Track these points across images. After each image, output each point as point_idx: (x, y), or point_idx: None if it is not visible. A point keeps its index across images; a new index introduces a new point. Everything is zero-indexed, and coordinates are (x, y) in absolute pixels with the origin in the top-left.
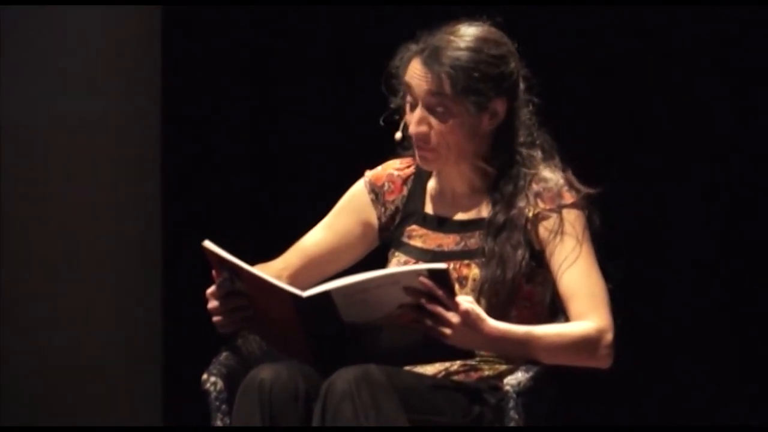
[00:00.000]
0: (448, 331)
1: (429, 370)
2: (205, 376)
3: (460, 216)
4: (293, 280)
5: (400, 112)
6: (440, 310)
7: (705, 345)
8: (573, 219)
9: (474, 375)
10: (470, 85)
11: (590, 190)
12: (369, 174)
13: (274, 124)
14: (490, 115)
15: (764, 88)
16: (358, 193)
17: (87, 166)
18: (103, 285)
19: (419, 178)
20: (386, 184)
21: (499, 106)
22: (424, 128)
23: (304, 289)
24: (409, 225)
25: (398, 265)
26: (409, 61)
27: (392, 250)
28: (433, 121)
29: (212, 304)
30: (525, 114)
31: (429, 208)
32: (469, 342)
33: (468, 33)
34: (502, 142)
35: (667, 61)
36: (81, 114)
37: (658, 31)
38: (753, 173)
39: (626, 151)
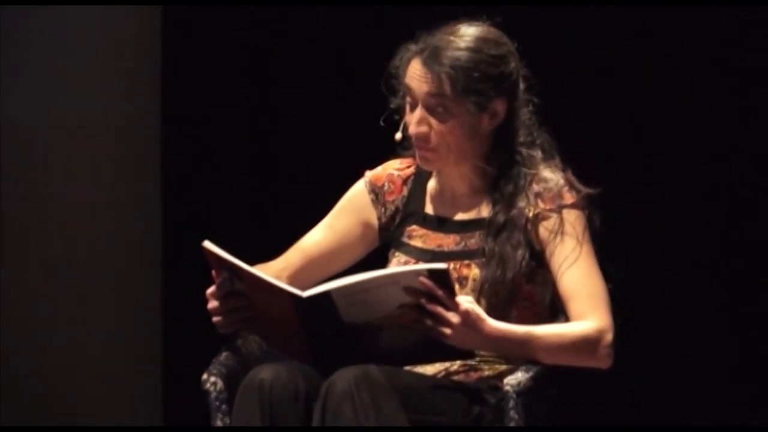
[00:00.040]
0: (448, 331)
1: (429, 370)
2: (205, 376)
3: (460, 216)
4: (293, 280)
5: (400, 112)
6: (440, 310)
7: (705, 345)
8: (573, 219)
9: (474, 375)
10: (470, 85)
11: (590, 191)
12: (369, 174)
13: (274, 124)
14: (490, 115)
15: (764, 88)
16: (358, 193)
17: (87, 166)
18: (103, 285)
19: (419, 178)
20: (386, 184)
21: (499, 106)
22: (424, 128)
23: (304, 289)
24: (410, 225)
25: (398, 265)
26: (408, 61)
27: (392, 250)
28: (433, 121)
29: (212, 304)
30: (525, 114)
31: (429, 209)
32: (469, 342)
33: (468, 33)
34: (502, 142)
35: (667, 61)
36: (81, 114)
37: (658, 31)
38: (753, 173)
39: (626, 151)
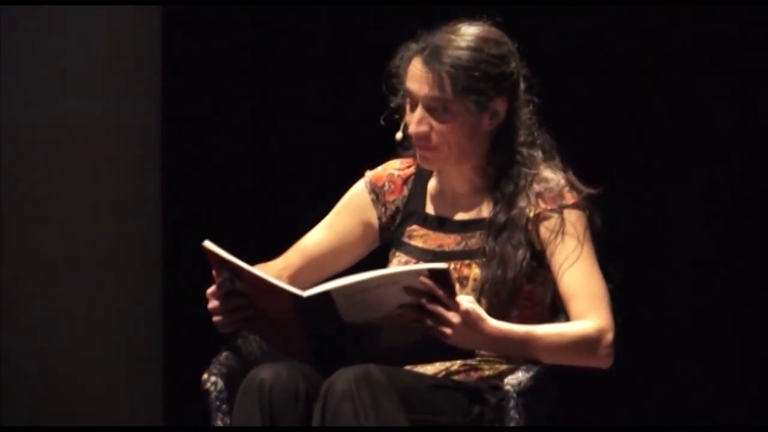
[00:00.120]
0: (448, 330)
1: (429, 370)
2: (205, 376)
3: (460, 216)
4: (293, 280)
5: (401, 111)
6: (441, 309)
7: (705, 345)
8: (574, 219)
9: (474, 375)
10: (471, 85)
11: (591, 191)
12: (369, 174)
13: (274, 124)
14: (491, 114)
15: (764, 88)
16: (358, 193)
17: (87, 166)
18: (103, 285)
19: (420, 178)
20: (386, 184)
21: (500, 105)
22: (424, 128)
23: (304, 289)
24: (410, 225)
25: (399, 265)
26: (409, 60)
27: (393, 250)
28: (434, 120)
29: (212, 304)
30: (525, 114)
31: (430, 208)
32: (469, 342)
33: (468, 32)
34: (502, 142)
35: (667, 61)
36: (81, 114)
37: (658, 31)
38: (753, 173)
39: (626, 151)
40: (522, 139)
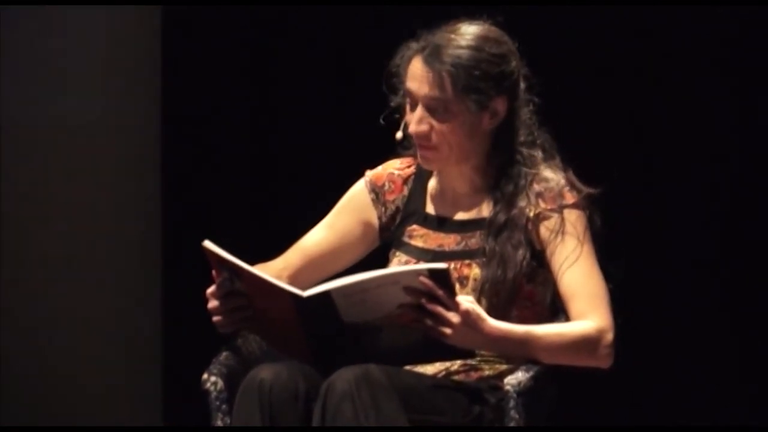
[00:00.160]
0: (448, 330)
1: (429, 370)
2: (205, 376)
3: (460, 216)
4: (293, 280)
5: (401, 111)
6: (440, 309)
7: (705, 345)
8: (574, 219)
9: (474, 375)
10: (471, 84)
11: (591, 191)
12: (369, 174)
13: (274, 124)
14: (491, 114)
15: (764, 88)
16: (358, 192)
17: (87, 166)
18: (103, 285)
19: (420, 177)
20: (387, 183)
21: (500, 105)
22: (424, 127)
23: (304, 289)
24: (410, 225)
25: (399, 264)
26: (409, 59)
27: (393, 249)
28: (434, 120)
29: (212, 304)
30: (525, 113)
31: (430, 208)
32: (469, 342)
33: (469, 32)
34: (502, 142)
35: (667, 61)
36: (81, 114)
37: (658, 31)
38: (753, 173)
39: (626, 151)
40: (522, 138)
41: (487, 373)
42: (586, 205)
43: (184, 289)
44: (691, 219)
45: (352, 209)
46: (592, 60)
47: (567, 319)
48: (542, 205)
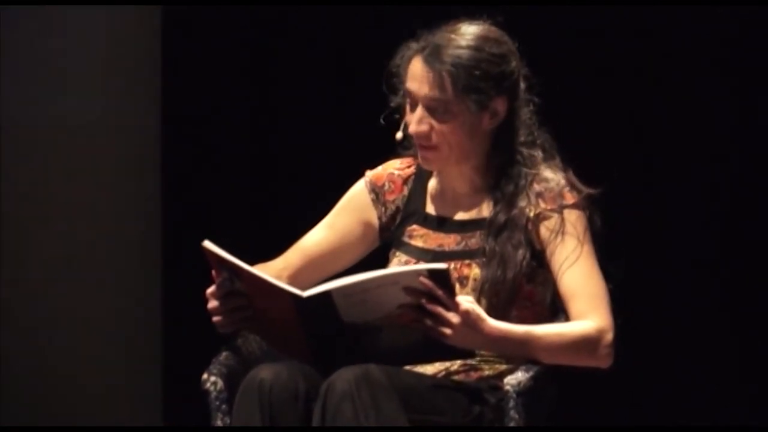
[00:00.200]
0: (448, 331)
1: (429, 370)
2: (205, 376)
3: (460, 216)
4: (293, 280)
5: (401, 111)
6: (440, 310)
7: (705, 345)
8: (574, 219)
9: (474, 375)
10: (471, 84)
11: (591, 191)
12: (369, 174)
13: (274, 124)
14: (491, 114)
15: (764, 88)
16: (358, 192)
17: (87, 166)
18: (103, 285)
19: (420, 177)
20: (387, 183)
21: (500, 105)
22: (424, 127)
23: (304, 289)
24: (410, 225)
25: (399, 265)
26: (409, 59)
27: (393, 250)
28: (434, 120)
29: (212, 304)
30: (525, 113)
31: (430, 208)
32: (469, 342)
33: (469, 31)
34: (502, 142)
35: (667, 61)
36: (81, 114)
37: (658, 31)
38: (753, 173)
39: (626, 151)
40: (522, 138)
41: (487, 373)
42: (586, 205)
43: (184, 289)
44: (691, 219)
45: (352, 209)
46: (592, 60)
47: (567, 319)
48: (542, 205)
